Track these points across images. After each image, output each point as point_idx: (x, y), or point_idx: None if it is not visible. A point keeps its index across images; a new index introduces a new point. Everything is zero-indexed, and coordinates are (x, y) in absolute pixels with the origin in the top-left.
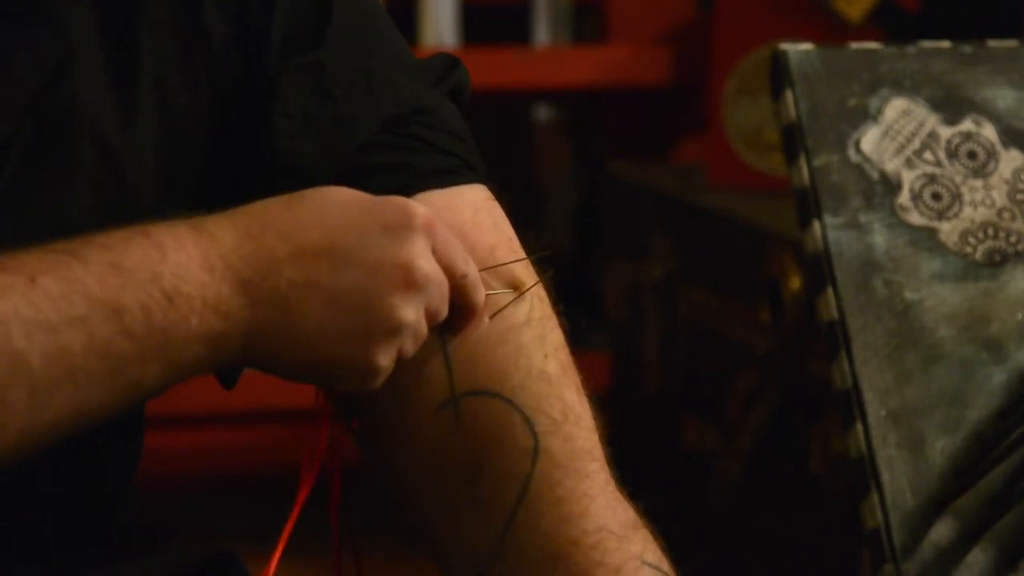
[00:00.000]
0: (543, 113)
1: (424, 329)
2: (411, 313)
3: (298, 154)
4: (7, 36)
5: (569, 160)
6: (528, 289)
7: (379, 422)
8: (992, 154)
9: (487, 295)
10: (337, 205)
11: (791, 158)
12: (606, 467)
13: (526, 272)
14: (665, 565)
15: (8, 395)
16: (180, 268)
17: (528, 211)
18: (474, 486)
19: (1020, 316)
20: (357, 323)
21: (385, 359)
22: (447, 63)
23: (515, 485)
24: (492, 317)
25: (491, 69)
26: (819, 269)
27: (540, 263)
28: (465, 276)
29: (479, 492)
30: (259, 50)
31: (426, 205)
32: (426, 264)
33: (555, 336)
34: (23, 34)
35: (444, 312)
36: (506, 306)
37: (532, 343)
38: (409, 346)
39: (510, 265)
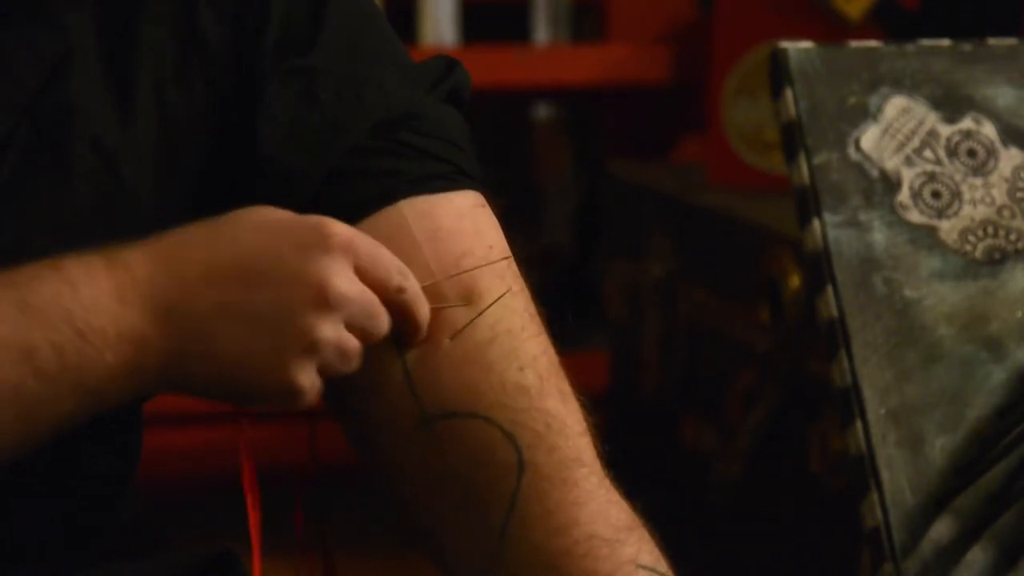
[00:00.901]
0: (543, 112)
1: (350, 345)
2: (327, 331)
3: (284, 158)
4: (7, 35)
5: (569, 160)
6: (487, 308)
7: (361, 443)
8: (992, 152)
9: (444, 308)
10: (251, 226)
11: (791, 157)
12: (597, 470)
13: (493, 284)
14: (662, 565)
15: None
16: (92, 302)
17: (528, 211)
18: (462, 502)
19: (1020, 314)
20: (272, 342)
21: (304, 378)
22: (444, 65)
23: (502, 501)
24: (452, 339)
25: (491, 68)
26: (819, 268)
27: (530, 267)
28: (402, 291)
29: (468, 508)
30: (254, 51)
31: (409, 211)
32: (341, 283)
33: (531, 346)
34: (23, 34)
35: (380, 329)
36: (465, 326)
37: (502, 359)
38: (333, 362)
39: (473, 278)
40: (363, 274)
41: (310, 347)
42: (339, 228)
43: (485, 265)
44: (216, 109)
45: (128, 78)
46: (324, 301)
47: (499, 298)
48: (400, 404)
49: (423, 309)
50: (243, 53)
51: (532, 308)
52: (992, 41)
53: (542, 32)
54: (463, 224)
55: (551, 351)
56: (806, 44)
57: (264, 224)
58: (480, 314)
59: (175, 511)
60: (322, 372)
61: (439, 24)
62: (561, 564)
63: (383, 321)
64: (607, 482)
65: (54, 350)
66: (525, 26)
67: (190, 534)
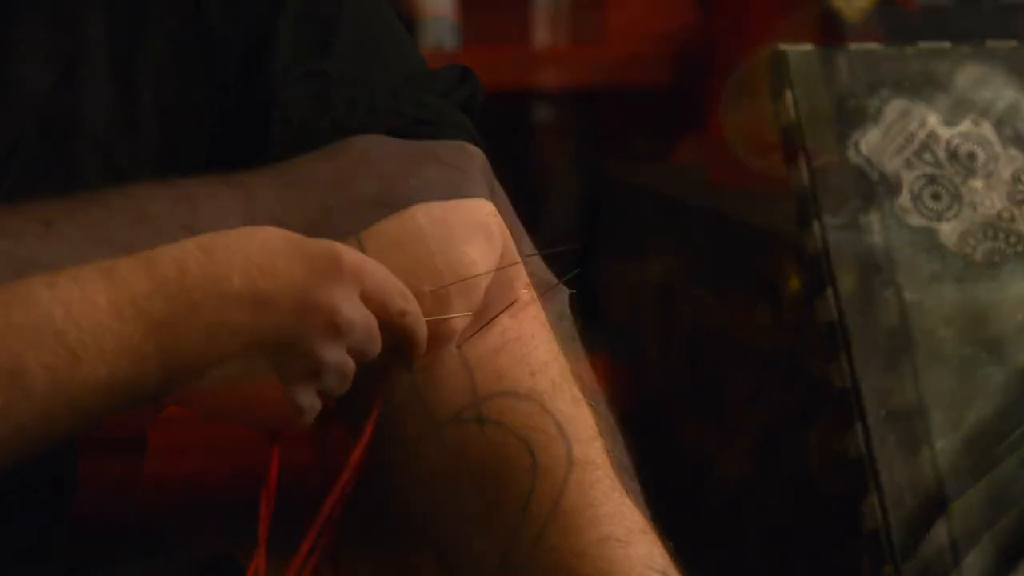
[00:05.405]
0: (543, 113)
1: (349, 367)
2: (333, 355)
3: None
4: (21, 36)
5: (569, 160)
6: (497, 316)
7: (370, 448)
8: (992, 155)
9: (453, 318)
10: (260, 245)
11: (790, 159)
12: (611, 473)
13: (503, 291)
14: (673, 570)
15: None
16: (86, 320)
17: (528, 211)
18: (473, 505)
19: (1019, 317)
20: (275, 365)
21: (305, 399)
22: (459, 74)
23: (515, 503)
24: (460, 346)
25: (490, 69)
26: (819, 270)
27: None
28: (403, 314)
29: (479, 512)
30: (265, 55)
31: (423, 216)
32: (350, 310)
33: (542, 352)
34: (36, 34)
35: (375, 351)
36: (474, 333)
37: (513, 365)
38: (333, 384)
39: (482, 286)
40: (368, 298)
41: (314, 371)
42: (350, 255)
43: (495, 271)
44: (224, 113)
45: (135, 81)
46: (334, 328)
47: (508, 307)
48: (408, 410)
49: (422, 330)
50: (255, 57)
51: (542, 315)
52: (992, 43)
53: (542, 33)
54: (475, 233)
55: (562, 358)
56: (805, 46)
57: (273, 244)
58: (490, 321)
59: (174, 512)
60: (320, 394)
61: (439, 26)
62: (576, 565)
63: (378, 344)
64: (620, 485)
65: (46, 371)
66: (525, 27)
67: (190, 535)
